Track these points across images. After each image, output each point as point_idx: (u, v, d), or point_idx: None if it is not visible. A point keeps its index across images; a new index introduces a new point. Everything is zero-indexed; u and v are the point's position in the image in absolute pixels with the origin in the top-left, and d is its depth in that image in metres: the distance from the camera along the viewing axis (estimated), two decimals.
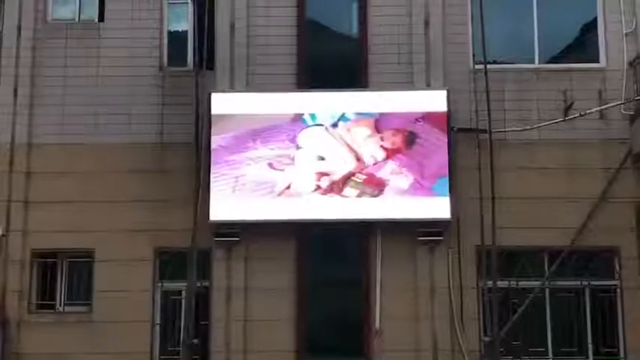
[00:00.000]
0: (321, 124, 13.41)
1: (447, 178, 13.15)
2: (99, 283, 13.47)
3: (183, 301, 13.26)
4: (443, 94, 13.43)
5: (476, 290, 13.21)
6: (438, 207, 13.17)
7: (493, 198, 12.09)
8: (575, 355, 13.30)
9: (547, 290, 13.42)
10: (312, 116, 13.43)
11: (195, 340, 12.89)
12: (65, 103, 13.89)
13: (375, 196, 13.23)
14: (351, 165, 13.32)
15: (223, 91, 13.73)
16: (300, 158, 13.36)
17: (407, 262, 13.28)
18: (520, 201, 13.26)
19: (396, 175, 13.26)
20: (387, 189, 13.23)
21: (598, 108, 13.48)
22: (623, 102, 13.49)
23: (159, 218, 13.42)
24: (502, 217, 12.36)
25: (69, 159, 13.68)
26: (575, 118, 13.37)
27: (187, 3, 14.23)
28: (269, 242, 13.34)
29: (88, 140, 13.76)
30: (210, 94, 13.54)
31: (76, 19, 14.38)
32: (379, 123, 13.39)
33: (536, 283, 13.32)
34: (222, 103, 13.55)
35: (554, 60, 14.11)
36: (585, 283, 13.42)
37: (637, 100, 13.36)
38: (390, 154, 13.32)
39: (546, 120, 13.46)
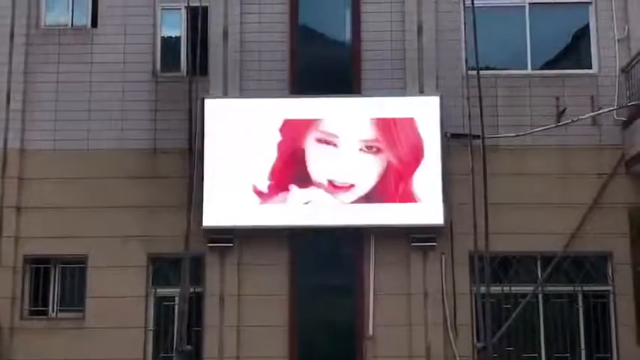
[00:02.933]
0: (314, 130, 13.42)
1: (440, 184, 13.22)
2: (92, 289, 13.44)
3: (176, 307, 13.22)
4: (436, 99, 13.46)
5: (469, 296, 13.23)
6: (431, 213, 13.20)
7: (486, 203, 12.09)
8: None
9: (540, 296, 13.44)
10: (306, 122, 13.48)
11: (189, 347, 12.80)
12: (58, 109, 13.87)
13: (368, 201, 13.23)
14: (344, 171, 13.33)
15: (216, 96, 13.74)
16: (294, 163, 13.36)
17: (400, 267, 13.29)
18: (513, 206, 13.28)
19: (389, 180, 13.28)
20: (379, 194, 13.25)
21: (591, 114, 13.55)
22: (615, 108, 13.54)
23: (152, 224, 13.41)
24: (495, 222, 12.34)
25: (62, 165, 13.66)
26: (567, 123, 13.44)
27: (180, 9, 14.22)
28: (262, 248, 13.34)
29: (80, 146, 13.74)
30: (203, 100, 13.54)
31: (69, 25, 14.36)
32: (372, 128, 13.40)
33: (529, 289, 13.34)
34: (215, 109, 13.56)
35: (546, 66, 14.15)
36: (578, 288, 13.44)
37: (629, 105, 13.40)
38: (384, 159, 13.35)
39: (539, 126, 13.51)
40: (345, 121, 13.42)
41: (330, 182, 13.31)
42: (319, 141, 13.42)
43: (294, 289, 13.40)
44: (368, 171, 13.33)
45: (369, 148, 13.37)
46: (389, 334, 13.14)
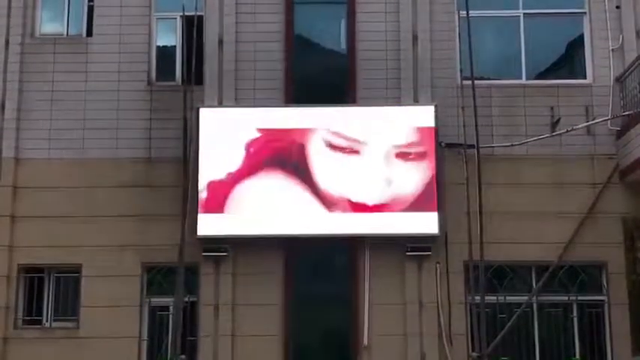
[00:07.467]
0: (310, 140, 13.43)
1: (435, 194, 13.22)
2: (86, 298, 13.39)
3: (170, 317, 13.20)
4: (431, 109, 13.48)
5: (464, 305, 13.21)
6: (426, 222, 13.20)
7: (481, 213, 12.11)
8: None
9: (535, 305, 13.44)
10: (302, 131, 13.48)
11: (183, 356, 12.83)
12: (53, 118, 13.86)
13: (363, 211, 13.23)
14: (340, 180, 13.33)
15: (211, 106, 13.74)
16: (290, 173, 13.37)
17: (395, 277, 13.28)
18: (508, 216, 13.30)
19: (385, 190, 13.29)
20: (375, 204, 13.25)
21: (585, 124, 13.58)
22: (610, 118, 13.57)
23: (146, 233, 13.38)
24: (490, 232, 12.36)
25: (56, 174, 13.64)
26: (562, 133, 13.47)
27: (176, 18, 14.23)
28: (257, 257, 13.32)
29: (75, 155, 13.74)
30: (198, 109, 13.54)
31: (65, 34, 14.38)
32: (367, 138, 13.41)
33: (523, 298, 13.33)
34: (210, 118, 13.55)
35: (541, 76, 14.20)
36: (573, 298, 13.44)
37: (624, 115, 13.44)
38: (379, 168, 13.36)
39: (534, 135, 13.53)
40: (340, 131, 13.43)
41: (327, 190, 13.31)
42: (314, 151, 13.42)
43: (288, 299, 13.38)
44: (365, 179, 13.33)
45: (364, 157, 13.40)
46: (384, 344, 13.12)
